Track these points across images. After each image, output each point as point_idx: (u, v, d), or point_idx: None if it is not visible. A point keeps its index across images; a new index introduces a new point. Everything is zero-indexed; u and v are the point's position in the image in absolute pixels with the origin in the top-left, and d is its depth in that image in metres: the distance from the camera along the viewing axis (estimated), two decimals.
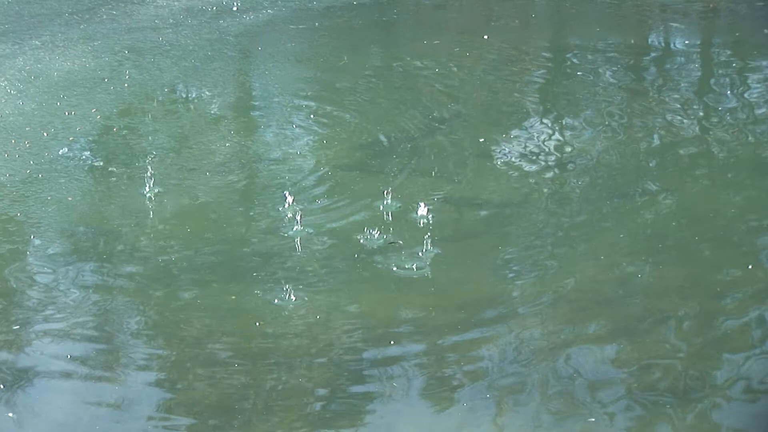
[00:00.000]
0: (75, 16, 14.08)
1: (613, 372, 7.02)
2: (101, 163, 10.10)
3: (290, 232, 8.70)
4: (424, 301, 7.80)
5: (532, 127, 10.67)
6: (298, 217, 8.75)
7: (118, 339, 7.52)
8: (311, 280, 8.06)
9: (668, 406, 6.70)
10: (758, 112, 10.82)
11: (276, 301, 7.81)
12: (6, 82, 11.84)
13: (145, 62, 12.50)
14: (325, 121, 10.91)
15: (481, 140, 10.28)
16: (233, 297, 7.89)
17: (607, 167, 9.64)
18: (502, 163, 9.85)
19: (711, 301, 7.70)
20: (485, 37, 13.14)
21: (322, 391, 6.99)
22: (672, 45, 13.00)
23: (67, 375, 7.20)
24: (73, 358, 7.32)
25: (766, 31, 13.06)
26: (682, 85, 11.61)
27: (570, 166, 9.74)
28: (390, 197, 8.98)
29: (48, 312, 7.79)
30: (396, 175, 9.59)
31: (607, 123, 10.56)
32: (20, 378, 7.18)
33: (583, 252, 8.32)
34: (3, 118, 10.89)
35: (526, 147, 10.16)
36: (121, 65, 12.40)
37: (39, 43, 13.16)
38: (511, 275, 8.06)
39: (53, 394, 7.04)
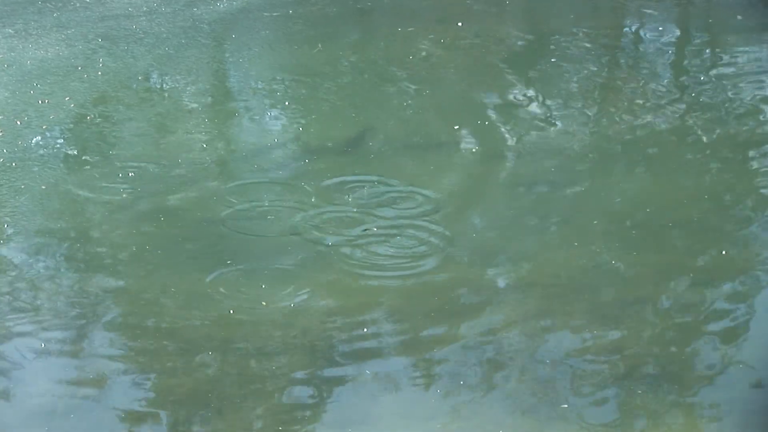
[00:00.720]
0: (48, 4, 13.98)
1: (589, 358, 7.04)
2: (75, 152, 10.06)
3: (264, 218, 8.71)
4: (399, 287, 7.80)
5: (505, 113, 10.68)
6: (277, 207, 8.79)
7: (92, 327, 7.49)
8: (286, 268, 8.06)
9: (643, 393, 6.73)
10: (731, 98, 10.85)
11: (250, 289, 7.80)
12: None
13: (119, 50, 12.43)
14: (300, 109, 10.89)
15: (456, 127, 10.28)
16: (207, 286, 7.87)
17: (580, 153, 9.66)
18: (475, 149, 9.85)
19: (686, 287, 7.74)
20: (459, 24, 13.14)
21: (298, 379, 6.99)
22: (646, 31, 13.02)
23: (41, 363, 7.17)
24: (47, 347, 7.30)
25: (739, 17, 13.09)
26: (656, 71, 11.63)
27: (543, 152, 9.75)
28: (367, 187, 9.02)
29: (21, 301, 7.76)
30: (371, 164, 9.59)
31: (580, 109, 10.59)
32: None
33: (556, 239, 8.34)
34: None
35: (499, 133, 10.17)
36: (95, 53, 12.33)
37: (12, 32, 13.07)
38: (484, 262, 8.07)
39: (26, 383, 7.02)
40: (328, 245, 8.31)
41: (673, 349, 7.12)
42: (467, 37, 12.78)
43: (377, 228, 8.46)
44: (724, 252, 8.09)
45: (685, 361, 7.02)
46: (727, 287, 7.76)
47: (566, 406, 6.65)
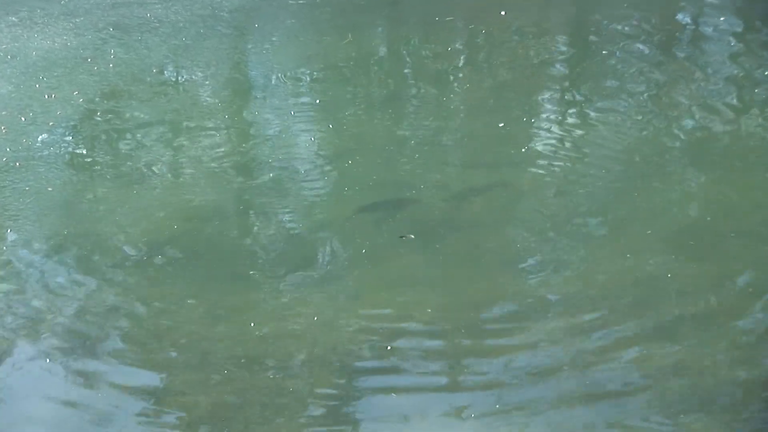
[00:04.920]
0: None
1: (640, 379, 7.02)
2: (84, 151, 10.13)
3: (289, 226, 8.77)
4: (433, 300, 7.82)
5: (552, 111, 10.69)
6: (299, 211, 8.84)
7: (102, 341, 7.55)
8: (311, 278, 8.12)
9: (701, 419, 6.72)
10: None
11: (272, 300, 7.85)
12: None
13: (132, 40, 12.52)
14: (327, 105, 10.92)
15: (501, 125, 10.29)
16: (226, 296, 7.93)
17: (633, 155, 9.66)
18: (521, 149, 9.84)
19: (747, 303, 7.70)
20: (502, 13, 13.13)
21: (322, 399, 7.02)
22: (705, 21, 12.97)
23: (48, 378, 7.23)
24: (54, 361, 7.37)
25: None
26: (715, 66, 11.57)
27: (592, 154, 9.74)
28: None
29: (26, 311, 7.84)
30: (404, 165, 9.62)
31: (633, 107, 10.57)
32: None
33: (606, 249, 8.33)
34: None
35: (545, 132, 10.18)
36: (106, 44, 12.42)
37: (16, 20, 13.19)
38: (528, 274, 8.09)
39: (33, 398, 7.08)
40: (361, 253, 8.35)
41: (735, 370, 7.09)
42: (511, 28, 12.78)
43: (414, 235, 8.49)
44: None
45: (748, 384, 6.99)
46: None
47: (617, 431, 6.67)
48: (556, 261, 8.23)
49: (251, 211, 9.09)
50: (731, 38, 12.37)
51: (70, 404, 7.03)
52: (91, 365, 7.34)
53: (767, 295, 7.77)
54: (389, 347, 7.36)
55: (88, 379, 7.23)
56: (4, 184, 9.45)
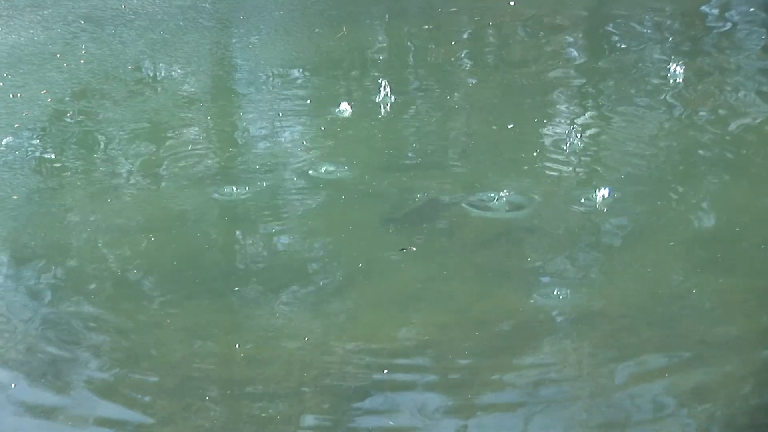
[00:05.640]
0: None
1: (663, 406, 7.00)
2: (52, 155, 10.12)
3: (277, 238, 8.76)
4: (435, 318, 7.77)
5: (565, 111, 10.71)
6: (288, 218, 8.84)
7: (73, 366, 7.48)
8: (302, 295, 8.06)
9: None
10: None
11: (260, 320, 7.83)
12: None
13: (105, 34, 12.54)
14: (319, 105, 10.94)
15: (510, 126, 10.32)
16: (209, 315, 7.92)
17: (654, 160, 9.65)
18: (532, 153, 9.86)
19: None
20: (512, 3, 13.19)
21: (313, 428, 6.98)
22: (732, 12, 13.04)
23: (15, 407, 7.19)
24: (21, 388, 7.28)
25: None
26: (746, 59, 11.63)
27: (608, 159, 9.75)
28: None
29: None
30: (405, 171, 9.63)
31: (654, 107, 10.59)
32: None
33: (624, 262, 8.30)
34: None
35: (558, 135, 10.19)
36: (76, 38, 12.43)
37: None
38: (539, 289, 8.03)
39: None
40: (357, 268, 8.34)
41: (765, 395, 7.10)
42: (520, 19, 12.83)
43: (415, 248, 8.49)
44: None
45: None
46: None
47: None
48: (569, 275, 8.17)
49: (236, 222, 9.05)
50: (761, 32, 12.43)
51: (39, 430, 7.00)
52: (60, 390, 7.23)
53: None
54: (386, 370, 7.35)
55: (57, 404, 7.17)
56: None
